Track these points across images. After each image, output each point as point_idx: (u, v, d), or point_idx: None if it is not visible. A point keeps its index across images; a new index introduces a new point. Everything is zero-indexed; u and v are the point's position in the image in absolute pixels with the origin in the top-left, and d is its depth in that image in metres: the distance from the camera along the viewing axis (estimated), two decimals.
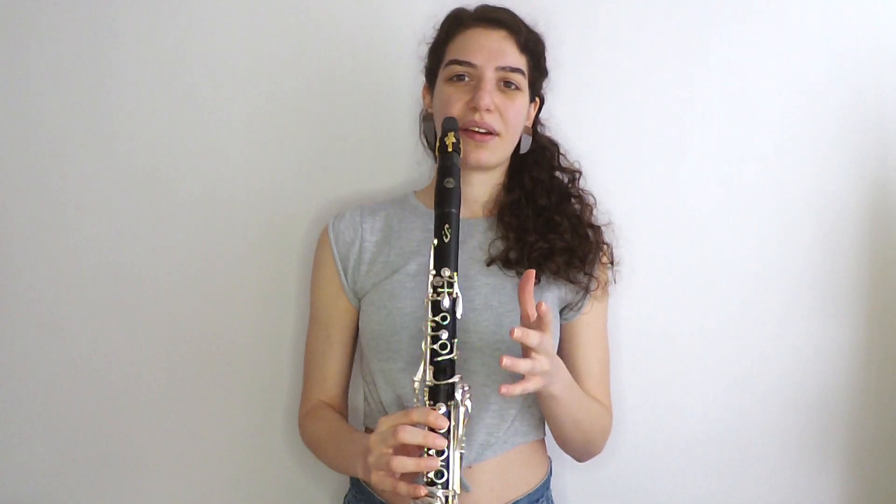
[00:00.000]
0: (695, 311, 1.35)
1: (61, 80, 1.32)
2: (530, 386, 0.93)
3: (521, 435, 1.11)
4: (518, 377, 0.93)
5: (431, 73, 1.16)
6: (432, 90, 1.16)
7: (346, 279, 1.14)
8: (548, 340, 0.93)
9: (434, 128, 1.15)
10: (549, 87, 1.23)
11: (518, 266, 1.10)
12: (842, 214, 1.34)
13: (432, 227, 1.11)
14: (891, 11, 1.33)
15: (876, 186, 1.33)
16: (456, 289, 0.95)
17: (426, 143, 1.25)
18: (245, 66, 1.32)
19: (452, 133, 1.01)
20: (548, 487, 1.16)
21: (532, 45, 1.13)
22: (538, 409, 1.13)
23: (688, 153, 1.34)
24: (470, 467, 1.06)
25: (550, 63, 1.20)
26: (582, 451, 1.15)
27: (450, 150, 1.00)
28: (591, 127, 1.32)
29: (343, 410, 1.19)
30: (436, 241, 0.96)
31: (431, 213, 1.13)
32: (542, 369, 0.92)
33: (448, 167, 0.98)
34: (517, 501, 1.09)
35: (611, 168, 1.31)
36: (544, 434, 1.16)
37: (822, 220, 1.34)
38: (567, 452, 1.16)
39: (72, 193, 1.34)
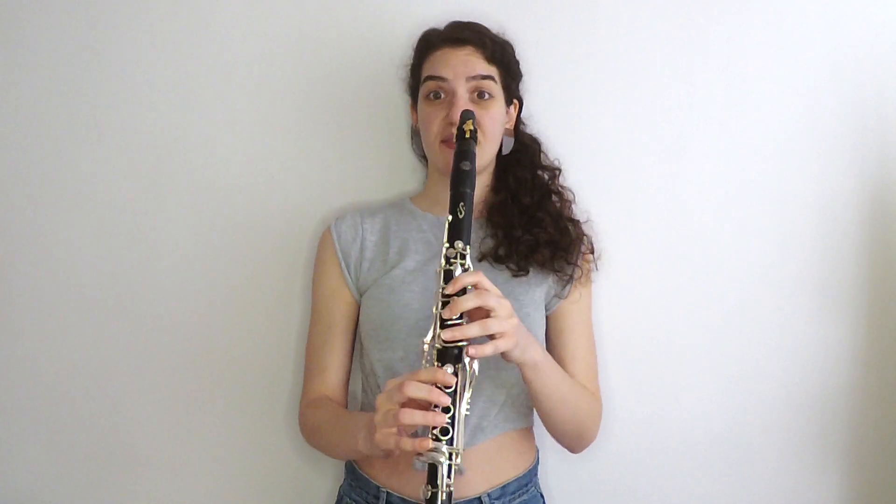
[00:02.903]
0: (694, 311, 1.35)
1: (63, 82, 1.33)
2: (501, 344, 0.96)
3: (511, 421, 1.16)
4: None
5: (414, 91, 1.23)
6: (416, 107, 1.23)
7: (350, 274, 1.21)
8: (504, 301, 0.96)
9: (421, 142, 1.22)
10: (528, 88, 1.27)
11: (508, 261, 1.17)
12: (842, 214, 1.33)
13: (427, 227, 1.21)
14: (891, 11, 1.32)
15: (876, 186, 1.32)
16: (468, 261, 0.97)
17: (417, 154, 1.33)
18: (249, 75, 1.34)
19: (471, 121, 1.07)
20: (535, 474, 1.21)
21: (499, 55, 1.19)
22: (527, 398, 1.18)
23: (687, 153, 1.35)
24: (464, 450, 1.11)
25: (529, 63, 1.24)
26: (573, 433, 1.17)
27: (467, 136, 1.04)
28: (573, 124, 1.33)
29: (342, 403, 1.22)
30: (450, 217, 0.98)
31: (426, 215, 1.24)
32: (506, 312, 0.95)
33: (465, 151, 1.02)
34: (507, 484, 1.14)
35: (610, 169, 1.35)
36: (532, 423, 1.21)
37: (823, 220, 1.33)
38: (559, 438, 1.18)
39: (75, 194, 1.34)
